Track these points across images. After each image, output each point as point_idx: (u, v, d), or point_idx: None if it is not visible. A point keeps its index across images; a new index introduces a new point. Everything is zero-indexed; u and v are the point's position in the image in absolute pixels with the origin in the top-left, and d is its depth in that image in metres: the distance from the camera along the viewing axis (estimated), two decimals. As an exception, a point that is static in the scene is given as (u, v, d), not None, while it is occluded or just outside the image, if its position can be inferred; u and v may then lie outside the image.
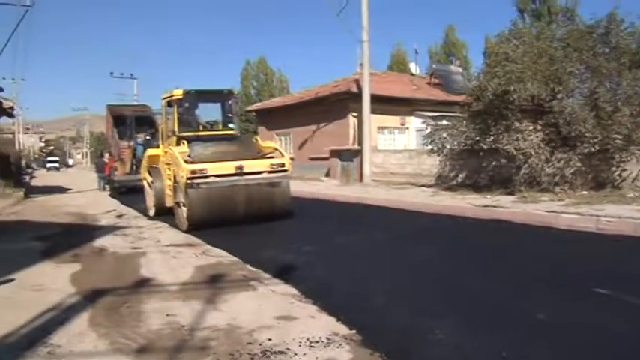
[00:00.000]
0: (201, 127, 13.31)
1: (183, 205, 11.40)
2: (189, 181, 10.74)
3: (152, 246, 9.73)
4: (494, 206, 11.92)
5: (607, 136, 12.49)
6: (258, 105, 37.09)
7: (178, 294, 6.31)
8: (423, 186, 18.22)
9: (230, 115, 13.74)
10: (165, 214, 13.14)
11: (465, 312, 5.32)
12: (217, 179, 10.95)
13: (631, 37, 13.32)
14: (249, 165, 11.35)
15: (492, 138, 14.42)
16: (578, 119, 12.55)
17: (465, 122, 15.46)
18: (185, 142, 11.81)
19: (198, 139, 12.26)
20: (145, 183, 14.98)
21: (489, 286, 6.34)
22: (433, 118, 25.34)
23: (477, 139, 14.98)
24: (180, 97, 12.65)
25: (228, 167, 11.14)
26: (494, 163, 15.97)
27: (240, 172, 11.15)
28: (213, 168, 10.98)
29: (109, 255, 8.98)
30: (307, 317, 5.30)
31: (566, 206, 11.28)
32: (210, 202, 11.00)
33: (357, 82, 24.47)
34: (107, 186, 26.52)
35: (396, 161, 21.90)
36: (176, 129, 12.73)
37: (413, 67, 31.14)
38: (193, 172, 10.77)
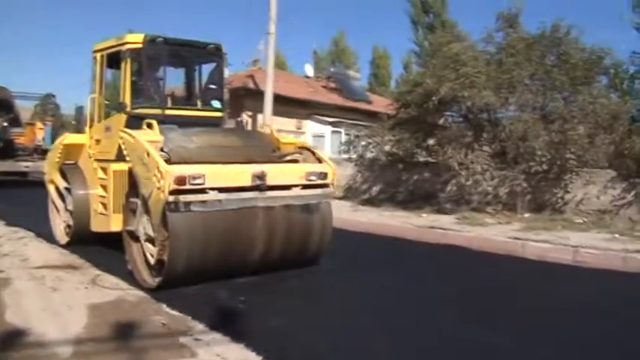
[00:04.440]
0: (169, 102, 8.42)
1: (149, 241, 6.53)
2: (171, 198, 5.90)
3: (18, 268, 7.03)
4: (441, 228, 10.28)
5: (560, 155, 11.26)
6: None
7: (75, 367, 3.93)
8: (330, 197, 16.37)
9: (214, 86, 8.73)
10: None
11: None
12: (221, 195, 6.22)
13: (581, 51, 12.29)
14: (274, 172, 6.73)
15: (427, 149, 12.83)
16: (529, 135, 11.22)
17: (390, 131, 13.83)
18: (151, 124, 6.86)
19: (166, 121, 7.36)
20: (51, 189, 9.42)
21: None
22: (332, 123, 24.00)
23: (413, 150, 13.40)
24: (139, 46, 7.75)
25: (240, 174, 6.50)
26: (415, 177, 14.45)
27: (259, 185, 6.53)
28: (214, 174, 6.25)
29: (-48, 283, 6.25)
30: None
31: (521, 231, 9.95)
32: (207, 238, 6.25)
33: (253, 78, 22.37)
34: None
35: (296, 168, 19.89)
36: (127, 100, 7.72)
37: (309, 70, 29.38)
38: (181, 179, 5.94)
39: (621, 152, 11.85)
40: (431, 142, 13.01)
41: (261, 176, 6.50)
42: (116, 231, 7.36)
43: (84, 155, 8.77)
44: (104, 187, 7.96)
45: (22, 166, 19.95)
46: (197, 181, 6.05)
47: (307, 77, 28.85)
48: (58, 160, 9.10)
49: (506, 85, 11.96)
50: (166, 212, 5.98)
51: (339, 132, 24.04)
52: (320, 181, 7.15)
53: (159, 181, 5.91)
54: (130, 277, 6.48)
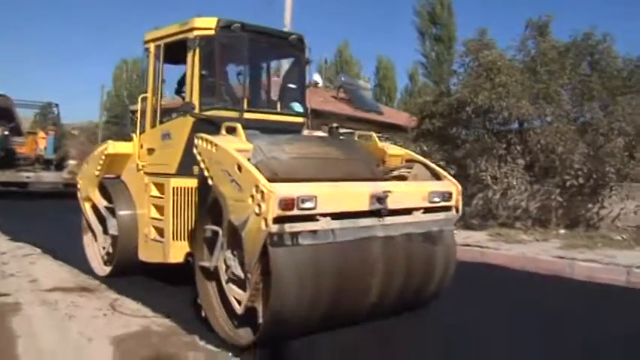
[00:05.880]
0: (245, 103, 6.57)
1: (234, 283, 5.05)
2: (275, 228, 4.39)
3: (27, 291, 6.35)
4: (478, 246, 9.68)
5: (595, 168, 10.64)
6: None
7: None
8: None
9: (294, 85, 7.24)
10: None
11: None
12: (334, 223, 4.72)
13: (615, 59, 11.78)
14: (396, 193, 5.18)
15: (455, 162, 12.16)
16: (566, 147, 10.61)
17: (414, 143, 13.22)
18: (234, 128, 5.44)
19: (247, 126, 5.64)
20: (86, 208, 7.83)
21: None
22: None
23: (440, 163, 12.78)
24: (211, 32, 6.26)
25: (356, 195, 5.00)
26: (437, 192, 13.79)
27: (380, 209, 5.04)
28: (327, 196, 4.73)
29: (-45, 309, 5.56)
30: None
31: (563, 249, 9.34)
32: (317, 281, 4.71)
33: (262, 86, 21.81)
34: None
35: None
36: (195, 100, 6.23)
37: (317, 78, 28.73)
38: (288, 202, 4.45)
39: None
40: (458, 154, 12.33)
41: (382, 198, 5.01)
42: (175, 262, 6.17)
43: (129, 168, 7.28)
44: (158, 208, 6.55)
45: (24, 176, 19.32)
46: (307, 205, 4.54)
47: (316, 86, 28.29)
48: (97, 173, 7.40)
49: (542, 94, 11.40)
50: (268, 246, 4.44)
51: (351, 143, 23.47)
52: (443, 203, 5.66)
53: (258, 205, 4.40)
54: (153, 303, 5.77)
